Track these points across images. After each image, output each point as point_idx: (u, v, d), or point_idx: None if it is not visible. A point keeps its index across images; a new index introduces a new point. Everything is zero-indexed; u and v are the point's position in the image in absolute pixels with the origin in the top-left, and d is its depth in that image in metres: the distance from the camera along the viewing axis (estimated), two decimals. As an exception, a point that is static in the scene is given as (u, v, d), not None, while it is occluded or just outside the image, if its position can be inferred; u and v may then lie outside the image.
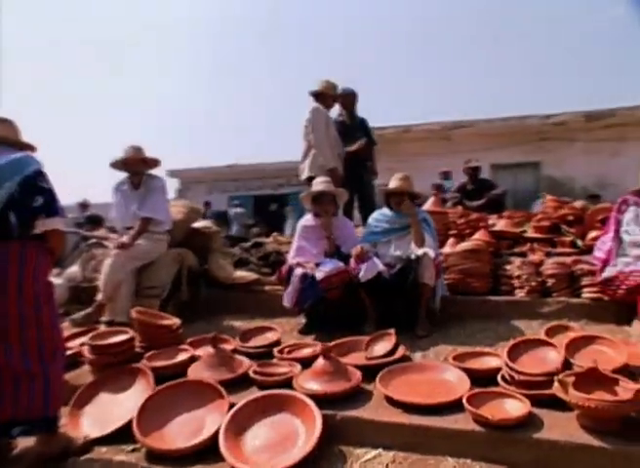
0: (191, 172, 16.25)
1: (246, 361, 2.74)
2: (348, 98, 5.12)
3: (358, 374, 2.42)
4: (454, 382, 2.33)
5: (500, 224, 4.00)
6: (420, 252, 3.19)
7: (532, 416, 1.99)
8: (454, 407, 2.13)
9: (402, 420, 2.11)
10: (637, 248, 2.80)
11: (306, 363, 2.68)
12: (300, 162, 4.93)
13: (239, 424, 2.16)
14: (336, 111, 5.21)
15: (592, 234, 3.63)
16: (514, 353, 2.36)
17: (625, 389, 1.91)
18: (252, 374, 2.55)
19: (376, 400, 2.32)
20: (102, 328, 3.30)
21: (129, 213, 3.81)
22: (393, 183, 3.52)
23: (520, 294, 3.32)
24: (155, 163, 3.95)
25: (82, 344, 2.96)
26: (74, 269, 4.32)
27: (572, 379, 1.94)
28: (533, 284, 3.25)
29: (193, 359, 2.76)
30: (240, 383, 2.54)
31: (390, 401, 2.26)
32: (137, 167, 3.84)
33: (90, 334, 2.94)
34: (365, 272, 3.19)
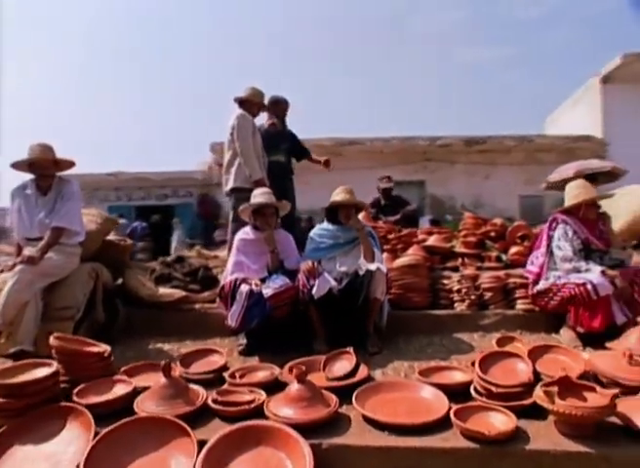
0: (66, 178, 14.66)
1: (201, 390, 2.44)
2: (280, 106, 4.97)
3: (335, 398, 2.28)
4: (431, 400, 2.29)
5: (432, 240, 4.15)
6: (372, 266, 3.16)
7: (518, 428, 2.03)
8: (439, 425, 2.09)
9: (392, 443, 2.01)
10: (568, 262, 3.06)
11: (266, 388, 2.48)
12: (225, 173, 4.63)
13: (214, 465, 1.89)
14: (260, 120, 5.04)
15: (514, 249, 3.93)
16: (484, 366, 2.40)
17: (601, 395, 2.03)
18: (213, 405, 2.27)
19: (356, 423, 2.19)
20: (9, 362, 2.74)
21: (34, 222, 3.24)
22: (341, 196, 3.46)
23: (460, 308, 3.44)
24: (69, 164, 3.43)
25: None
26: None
27: (556, 389, 2.01)
28: (472, 297, 3.40)
29: (136, 391, 2.39)
30: (199, 416, 2.24)
31: (372, 423, 2.15)
32: (46, 169, 3.29)
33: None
34: (318, 288, 3.07)
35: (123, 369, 2.70)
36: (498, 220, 4.31)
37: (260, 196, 3.46)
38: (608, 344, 2.69)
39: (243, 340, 3.25)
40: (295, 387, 2.26)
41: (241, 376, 2.70)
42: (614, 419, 2.05)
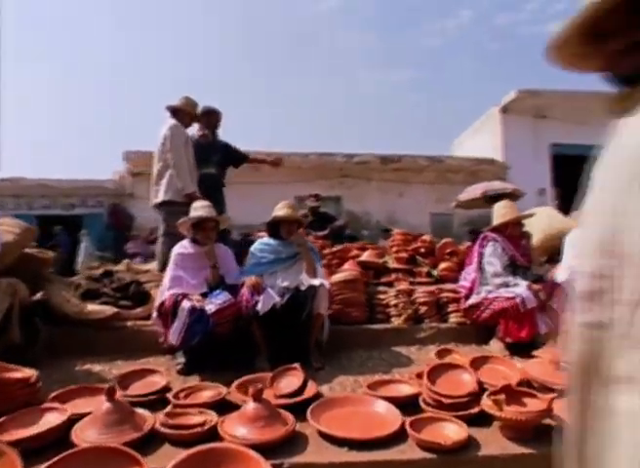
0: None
1: (147, 413, 2.29)
2: (213, 117, 4.86)
3: (291, 416, 2.25)
4: (384, 413, 2.34)
5: (366, 255, 4.26)
6: (316, 282, 3.18)
7: (469, 436, 2.14)
8: (395, 437, 2.15)
9: (353, 459, 2.03)
10: (498, 277, 3.31)
11: (213, 408, 2.39)
12: (154, 184, 4.43)
13: (173, 494, 1.79)
14: (191, 130, 4.89)
15: (443, 265, 4.15)
16: (432, 378, 2.50)
17: (539, 399, 2.21)
18: (163, 429, 2.14)
19: (313, 440, 2.18)
20: None
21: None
22: (283, 212, 3.45)
23: (397, 322, 3.56)
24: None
25: None
26: None
27: (503, 397, 2.15)
28: (409, 311, 3.53)
29: (72, 420, 2.19)
30: (148, 443, 2.10)
31: (330, 439, 2.15)
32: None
33: None
34: (263, 304, 3.03)
35: (53, 394, 2.46)
36: (427, 237, 4.54)
37: (200, 209, 3.36)
38: (535, 352, 2.93)
39: (181, 359, 3.11)
40: (251, 406, 2.20)
41: (185, 397, 2.59)
42: (548, 421, 2.23)
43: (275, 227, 3.53)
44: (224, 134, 5.07)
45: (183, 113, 4.51)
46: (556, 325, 3.13)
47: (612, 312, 0.78)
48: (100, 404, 2.20)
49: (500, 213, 3.52)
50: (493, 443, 2.13)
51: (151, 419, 2.22)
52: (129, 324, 3.44)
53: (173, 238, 4.20)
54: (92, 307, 3.36)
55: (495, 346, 3.32)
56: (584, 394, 0.84)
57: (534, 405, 2.19)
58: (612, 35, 0.89)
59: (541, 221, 4.62)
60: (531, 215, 3.74)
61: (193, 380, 2.95)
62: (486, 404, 2.19)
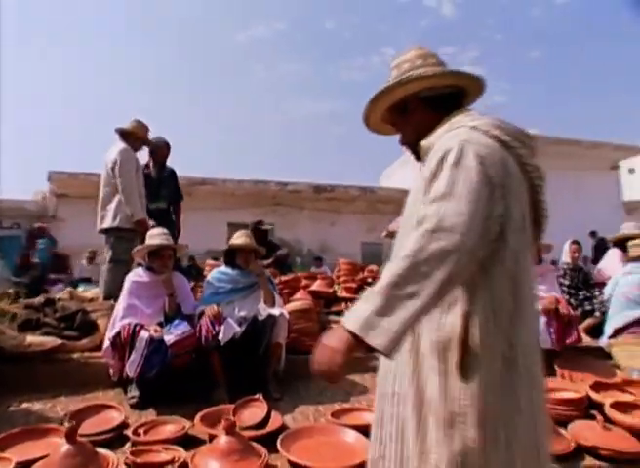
0: None
1: (109, 453, 2.19)
2: (162, 150, 4.76)
3: (263, 448, 2.25)
4: (352, 442, 2.41)
5: (316, 285, 4.34)
6: (275, 311, 3.21)
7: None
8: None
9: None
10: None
11: (178, 443, 2.34)
12: (100, 209, 4.24)
13: None
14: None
15: (390, 295, 4.32)
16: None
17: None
18: (131, 469, 2.06)
19: (286, 472, 2.20)
20: None
21: None
22: (241, 240, 3.47)
23: (350, 350, 3.64)
24: None
25: None
26: None
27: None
28: (362, 340, 3.63)
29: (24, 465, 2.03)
30: (114, 484, 2.01)
31: (302, 471, 2.18)
32: None
33: None
34: (224, 334, 3.01)
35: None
36: (373, 267, 4.72)
37: (157, 237, 3.30)
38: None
39: (135, 392, 2.97)
40: (224, 439, 2.18)
41: (146, 432, 2.49)
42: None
43: (232, 256, 3.53)
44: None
45: (134, 137, 4.39)
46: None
47: None
48: (55, 447, 2.07)
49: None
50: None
51: (115, 460, 2.12)
52: (75, 356, 3.24)
53: (120, 265, 4.05)
54: (32, 339, 3.14)
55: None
56: None
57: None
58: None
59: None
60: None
61: (149, 415, 2.84)
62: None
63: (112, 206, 4.15)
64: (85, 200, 8.99)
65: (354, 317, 1.02)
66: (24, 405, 2.91)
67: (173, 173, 4.93)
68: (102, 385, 3.13)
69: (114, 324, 3.10)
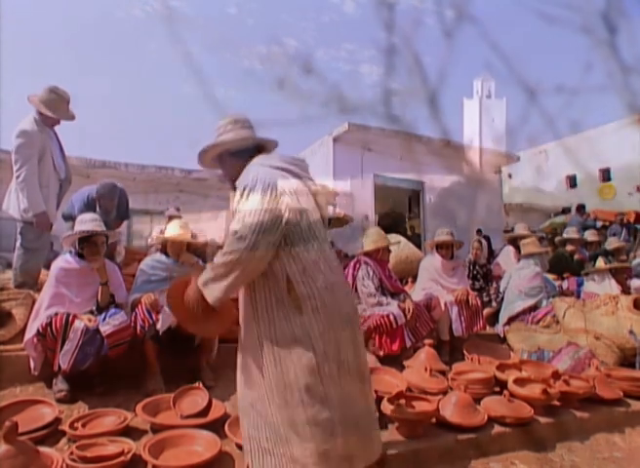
0: None
1: (51, 451, 2.09)
2: (111, 203, 4.34)
3: (215, 435, 2.30)
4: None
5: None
6: (211, 301, 3.21)
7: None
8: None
9: None
10: (372, 297, 3.74)
11: (121, 435, 2.32)
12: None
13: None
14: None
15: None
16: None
17: (428, 401, 2.66)
18: (79, 465, 2.00)
19: (239, 459, 2.26)
20: None
21: None
22: (173, 232, 3.40)
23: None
24: None
25: None
26: None
27: (404, 401, 2.54)
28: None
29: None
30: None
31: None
32: None
33: None
34: (163, 323, 2.96)
35: None
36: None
37: (89, 222, 3.12)
38: (406, 363, 3.43)
39: (63, 385, 2.81)
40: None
41: (84, 426, 2.41)
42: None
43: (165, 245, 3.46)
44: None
45: (52, 110, 3.68)
46: (417, 339, 3.70)
47: None
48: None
49: (373, 239, 4.01)
50: (399, 442, 2.49)
51: (58, 457, 2.04)
52: (-13, 350, 2.99)
53: (30, 252, 3.75)
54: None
55: (369, 359, 3.75)
56: None
57: (425, 406, 2.62)
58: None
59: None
60: (399, 242, 4.33)
61: (80, 408, 2.73)
62: (388, 408, 2.54)
63: (12, 194, 3.71)
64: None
65: (201, 279, 1.84)
66: None
67: (123, 210, 4.62)
68: (19, 381, 2.91)
69: (38, 313, 2.91)
